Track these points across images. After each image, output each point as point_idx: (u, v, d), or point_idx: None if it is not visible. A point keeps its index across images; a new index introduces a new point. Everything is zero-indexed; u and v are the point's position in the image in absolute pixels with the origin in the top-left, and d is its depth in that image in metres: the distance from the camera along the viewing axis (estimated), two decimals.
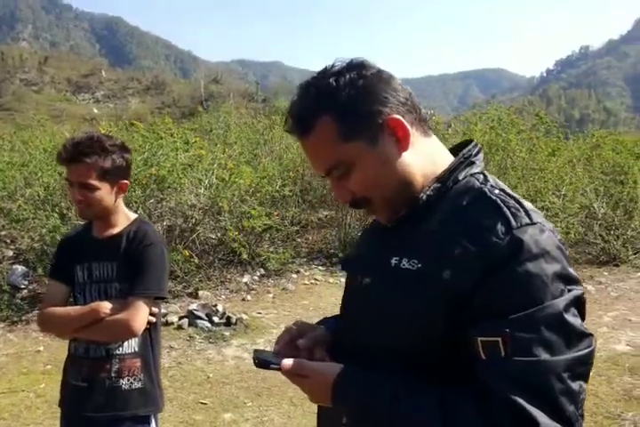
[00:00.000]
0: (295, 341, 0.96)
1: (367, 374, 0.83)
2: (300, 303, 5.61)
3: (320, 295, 5.85)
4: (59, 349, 4.27)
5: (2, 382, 3.67)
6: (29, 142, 7.75)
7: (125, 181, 1.69)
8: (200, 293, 5.55)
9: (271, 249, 6.86)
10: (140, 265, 1.63)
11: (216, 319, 4.82)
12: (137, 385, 1.67)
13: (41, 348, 4.26)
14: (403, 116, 0.87)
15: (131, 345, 1.67)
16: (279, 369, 0.86)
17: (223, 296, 5.69)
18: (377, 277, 0.90)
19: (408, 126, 0.87)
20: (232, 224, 6.15)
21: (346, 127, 0.85)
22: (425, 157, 0.90)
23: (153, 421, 1.72)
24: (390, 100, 0.87)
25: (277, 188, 6.91)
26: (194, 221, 6.16)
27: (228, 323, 4.84)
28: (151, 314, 1.65)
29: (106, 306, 1.59)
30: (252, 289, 5.98)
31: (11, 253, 6.21)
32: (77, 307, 1.65)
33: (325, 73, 0.88)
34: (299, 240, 7.70)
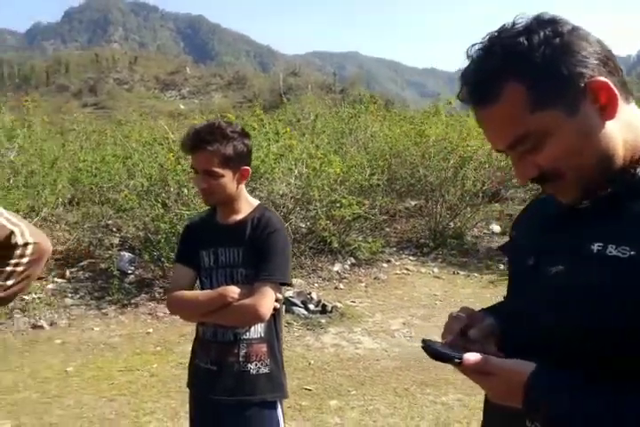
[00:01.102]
0: (465, 331, 0.89)
1: (570, 376, 0.73)
2: (394, 293, 5.54)
3: (414, 285, 5.74)
4: (166, 331, 4.50)
5: (119, 360, 3.90)
6: (129, 136, 8.20)
7: (247, 168, 1.70)
8: (293, 280, 5.63)
9: (360, 238, 6.83)
10: (265, 251, 1.63)
11: (312, 307, 4.86)
12: (264, 370, 1.67)
13: (150, 330, 4.49)
14: (606, 79, 0.76)
15: (257, 330, 1.68)
16: (459, 364, 0.79)
17: (316, 284, 5.73)
18: (573, 265, 0.80)
19: (615, 90, 0.76)
20: (322, 213, 6.17)
21: (540, 93, 0.75)
22: (628, 127, 0.79)
23: (279, 407, 1.73)
24: (591, 60, 0.76)
25: (366, 176, 6.84)
26: (285, 210, 6.24)
27: (324, 311, 4.86)
28: (276, 300, 1.65)
29: (234, 291, 1.60)
30: (344, 278, 5.98)
31: (117, 240, 6.62)
32: (205, 291, 1.68)
33: (510, 30, 0.77)
34: (387, 230, 7.61)
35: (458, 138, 7.44)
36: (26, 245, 1.45)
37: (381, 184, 7.39)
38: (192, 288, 1.73)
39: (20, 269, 1.45)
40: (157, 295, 5.28)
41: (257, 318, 1.59)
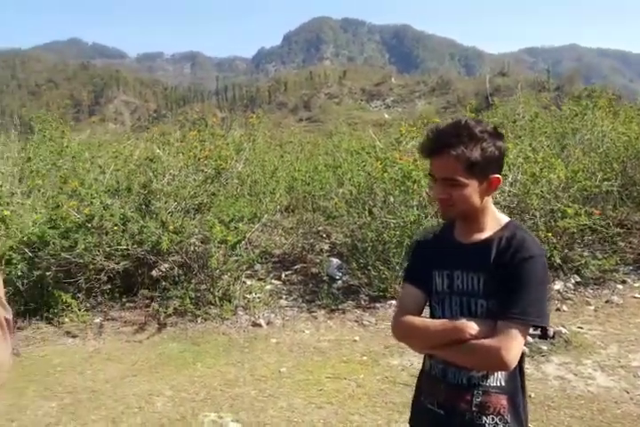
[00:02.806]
0: None
1: None
2: (633, 321, 4.64)
3: None
4: (372, 340, 4.44)
5: (327, 366, 3.94)
6: (339, 146, 8.53)
7: (497, 176, 1.40)
8: None
9: (586, 253, 5.95)
10: (517, 282, 1.33)
11: (530, 330, 4.32)
12: None
13: (357, 338, 4.48)
14: None
15: (497, 377, 1.40)
16: None
17: None
18: None
19: None
20: (542, 224, 5.51)
21: None
22: None
23: None
24: None
25: (596, 182, 5.94)
26: None
27: (544, 335, 4.28)
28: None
29: (472, 327, 1.34)
30: (567, 298, 5.24)
31: (326, 246, 6.88)
32: (438, 321, 1.43)
33: None
34: (621, 244, 6.51)
35: None
36: None
37: (614, 191, 6.37)
38: (421, 313, 1.50)
39: None
40: (363, 303, 5.29)
41: (501, 364, 1.32)
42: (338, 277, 5.91)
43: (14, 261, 4.53)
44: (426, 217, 5.19)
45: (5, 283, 4.58)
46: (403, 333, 1.48)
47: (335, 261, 6.07)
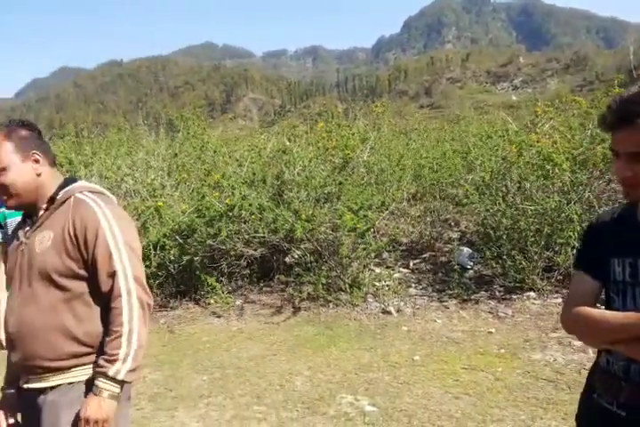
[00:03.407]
0: None
1: None
2: None
3: None
4: (509, 333, 4.25)
5: (462, 357, 3.85)
6: (467, 131, 8.22)
7: None
8: None
9: None
10: None
11: None
12: None
13: (492, 330, 4.32)
14: None
15: None
16: None
17: None
18: None
19: None
20: None
21: None
22: None
23: None
24: None
25: None
26: None
27: None
28: None
29: None
30: None
31: (455, 235, 6.69)
32: (621, 314, 1.26)
33: None
34: None
35: None
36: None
37: None
38: (595, 304, 1.35)
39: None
40: (497, 294, 5.08)
41: None
42: (469, 267, 5.72)
43: (167, 247, 5.02)
44: (568, 203, 4.82)
45: (159, 267, 5.09)
46: (575, 325, 1.34)
47: (466, 249, 5.88)
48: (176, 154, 6.82)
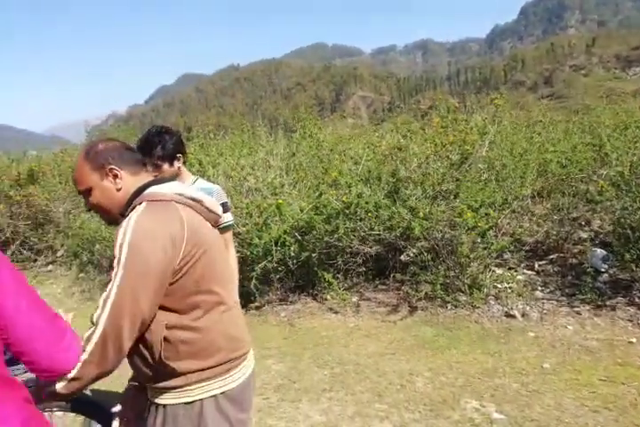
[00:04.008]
0: None
1: None
2: None
3: None
4: None
5: (598, 367, 3.55)
6: (600, 122, 7.54)
7: None
8: None
9: None
10: None
11: None
12: None
13: (633, 339, 3.93)
14: None
15: None
16: None
17: None
18: None
19: None
20: None
21: None
22: None
23: None
24: None
25: None
26: None
27: None
28: None
29: None
30: None
31: (587, 235, 6.18)
32: None
33: None
34: None
35: None
36: None
37: None
38: None
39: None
40: (637, 300, 4.61)
41: None
42: (603, 270, 5.25)
43: (287, 244, 5.18)
44: None
45: (280, 262, 5.27)
46: None
47: (599, 251, 5.40)
48: (294, 153, 7.02)
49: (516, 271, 5.51)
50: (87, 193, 1.55)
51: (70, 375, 1.32)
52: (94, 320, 1.37)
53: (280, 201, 5.19)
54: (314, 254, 5.32)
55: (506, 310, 4.77)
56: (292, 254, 5.21)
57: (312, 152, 6.97)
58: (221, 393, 1.52)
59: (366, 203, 5.14)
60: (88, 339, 1.35)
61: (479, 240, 5.12)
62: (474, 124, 7.48)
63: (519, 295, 4.97)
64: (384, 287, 5.54)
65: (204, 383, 1.50)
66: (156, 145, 2.47)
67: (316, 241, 5.27)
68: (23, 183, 8.84)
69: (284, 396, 3.50)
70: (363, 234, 5.31)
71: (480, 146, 6.64)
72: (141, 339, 1.44)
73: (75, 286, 7.17)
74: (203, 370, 1.49)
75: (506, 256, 5.95)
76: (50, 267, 8.32)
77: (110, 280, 1.38)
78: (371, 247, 5.47)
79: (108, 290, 1.37)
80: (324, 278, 5.28)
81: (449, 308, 4.93)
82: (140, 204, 1.48)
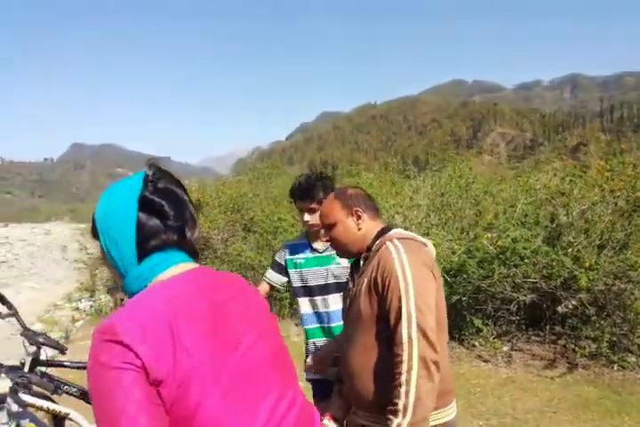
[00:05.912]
0: None
1: None
2: None
3: None
4: None
5: None
6: None
7: None
8: None
9: None
10: None
11: None
12: None
13: None
14: None
15: None
16: None
17: None
18: None
19: None
20: None
21: None
22: None
23: None
24: None
25: None
26: None
27: None
28: None
29: None
30: None
31: None
32: None
33: None
34: None
35: None
36: None
37: None
38: None
39: None
40: None
41: None
42: None
43: None
44: None
45: None
46: None
47: None
48: (442, 193, 7.02)
49: None
50: (330, 227, 1.76)
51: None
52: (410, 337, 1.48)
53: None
54: (463, 298, 5.22)
55: None
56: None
57: (460, 192, 6.91)
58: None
59: (524, 248, 4.95)
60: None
61: None
62: None
63: None
64: (538, 339, 5.23)
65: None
66: (319, 190, 2.59)
67: (466, 284, 5.17)
68: None
69: None
70: (518, 281, 5.10)
71: None
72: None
73: None
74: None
75: None
76: None
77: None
78: (525, 295, 5.22)
79: (406, 315, 1.49)
80: (473, 324, 5.13)
81: (615, 368, 4.51)
82: (391, 241, 1.62)
